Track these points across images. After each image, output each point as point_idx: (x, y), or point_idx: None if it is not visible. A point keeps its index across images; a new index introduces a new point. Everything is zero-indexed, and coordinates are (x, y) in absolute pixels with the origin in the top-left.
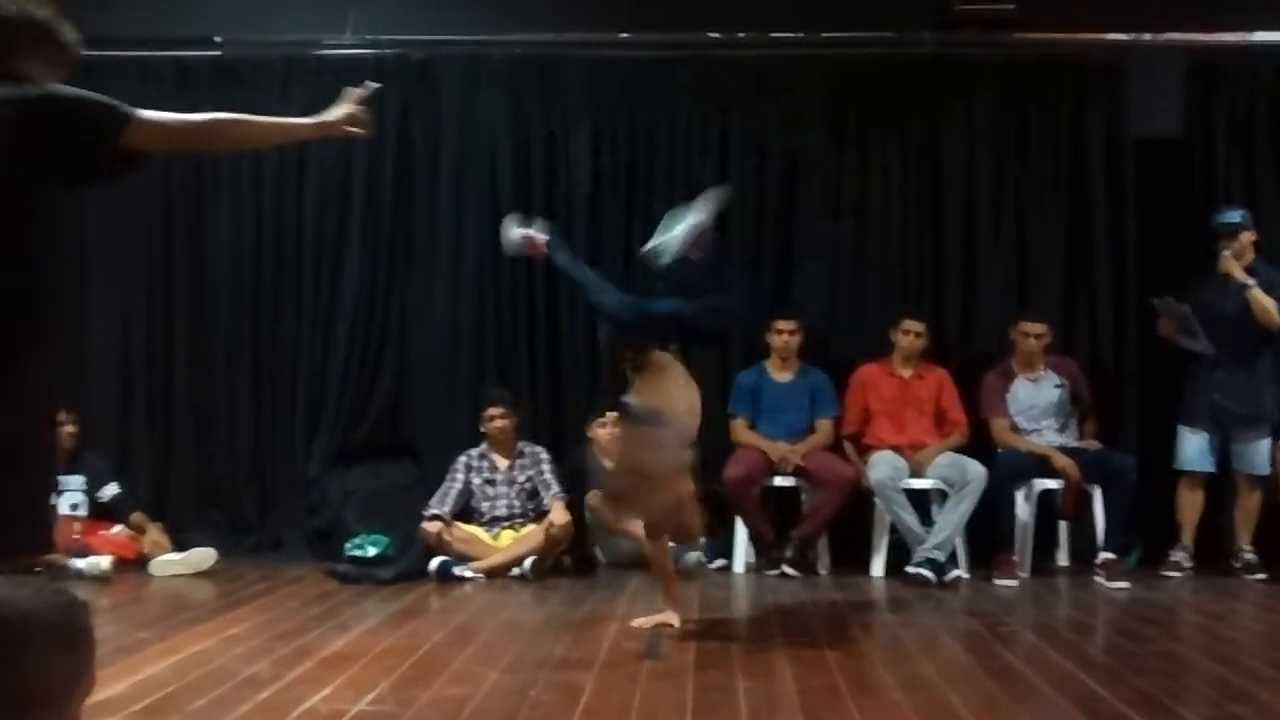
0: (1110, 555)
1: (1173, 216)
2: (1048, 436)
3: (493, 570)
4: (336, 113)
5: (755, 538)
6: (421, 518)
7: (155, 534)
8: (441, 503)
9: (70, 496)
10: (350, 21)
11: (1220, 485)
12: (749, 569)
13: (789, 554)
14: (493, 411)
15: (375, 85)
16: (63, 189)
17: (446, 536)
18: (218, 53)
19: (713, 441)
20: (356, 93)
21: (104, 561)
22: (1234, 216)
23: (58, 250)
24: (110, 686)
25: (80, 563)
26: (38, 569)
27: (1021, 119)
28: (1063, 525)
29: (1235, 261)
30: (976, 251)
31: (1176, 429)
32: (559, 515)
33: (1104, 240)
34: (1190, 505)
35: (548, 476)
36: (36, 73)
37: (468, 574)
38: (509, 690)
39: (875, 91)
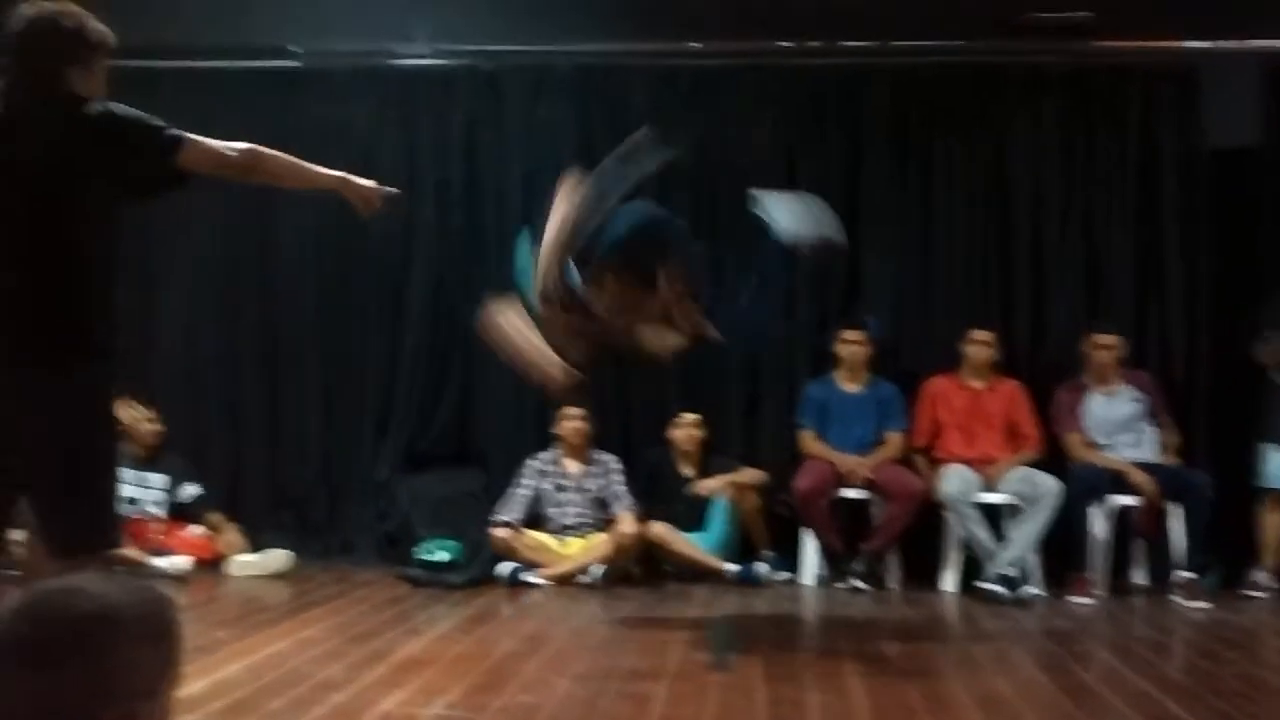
0: (1189, 574)
1: (1248, 228)
2: (1123, 452)
3: (561, 577)
4: (363, 182)
5: (824, 550)
6: (490, 524)
7: (231, 534)
8: (510, 509)
9: (152, 495)
10: (421, 32)
11: None
12: (818, 582)
13: (859, 567)
14: (570, 412)
15: (398, 193)
16: (112, 202)
17: (515, 543)
18: (292, 62)
19: (780, 453)
20: (387, 190)
21: (184, 561)
22: None
23: (106, 257)
24: (189, 685)
25: (161, 562)
26: (119, 567)
27: (1092, 128)
28: (1139, 543)
29: None
30: (1045, 263)
31: (1258, 446)
32: (627, 525)
33: (1176, 252)
34: (1272, 525)
35: (617, 487)
36: (83, 84)
37: (537, 580)
38: (580, 700)
39: (942, 100)
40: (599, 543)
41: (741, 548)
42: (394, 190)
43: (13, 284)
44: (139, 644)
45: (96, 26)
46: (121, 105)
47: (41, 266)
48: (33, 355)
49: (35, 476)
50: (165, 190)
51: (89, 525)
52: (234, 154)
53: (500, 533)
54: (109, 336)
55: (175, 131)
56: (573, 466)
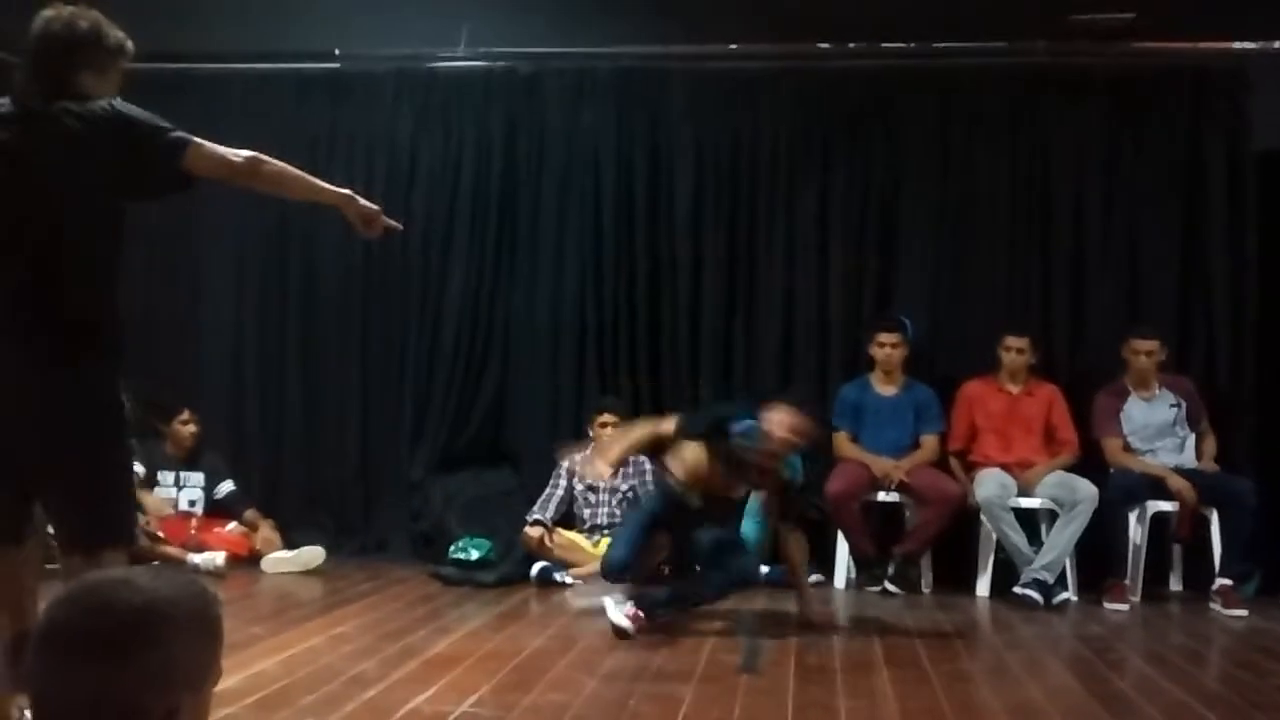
0: (1227, 582)
1: None
2: (1163, 457)
3: (592, 577)
4: (366, 203)
5: (856, 553)
6: (523, 523)
7: (267, 531)
8: (543, 509)
9: (189, 493)
10: (464, 35)
11: None
12: (849, 585)
13: (891, 571)
14: (606, 418)
15: (399, 227)
16: (117, 201)
17: (547, 543)
18: (335, 65)
19: (815, 456)
20: (391, 222)
21: (219, 558)
22: None
23: (111, 255)
24: (225, 679)
25: (197, 558)
26: (156, 563)
27: (1136, 131)
28: (1177, 549)
29: None
30: (1086, 266)
31: None
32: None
33: (1222, 256)
34: None
35: (651, 488)
36: (94, 85)
37: (568, 580)
38: (608, 699)
39: (983, 104)
40: None
41: (773, 550)
42: (397, 226)
43: (25, 280)
44: (185, 637)
45: (114, 32)
46: (130, 105)
47: (51, 263)
48: (45, 351)
49: (49, 472)
50: (168, 191)
51: (105, 519)
52: (238, 160)
53: (533, 531)
54: (116, 332)
55: (182, 134)
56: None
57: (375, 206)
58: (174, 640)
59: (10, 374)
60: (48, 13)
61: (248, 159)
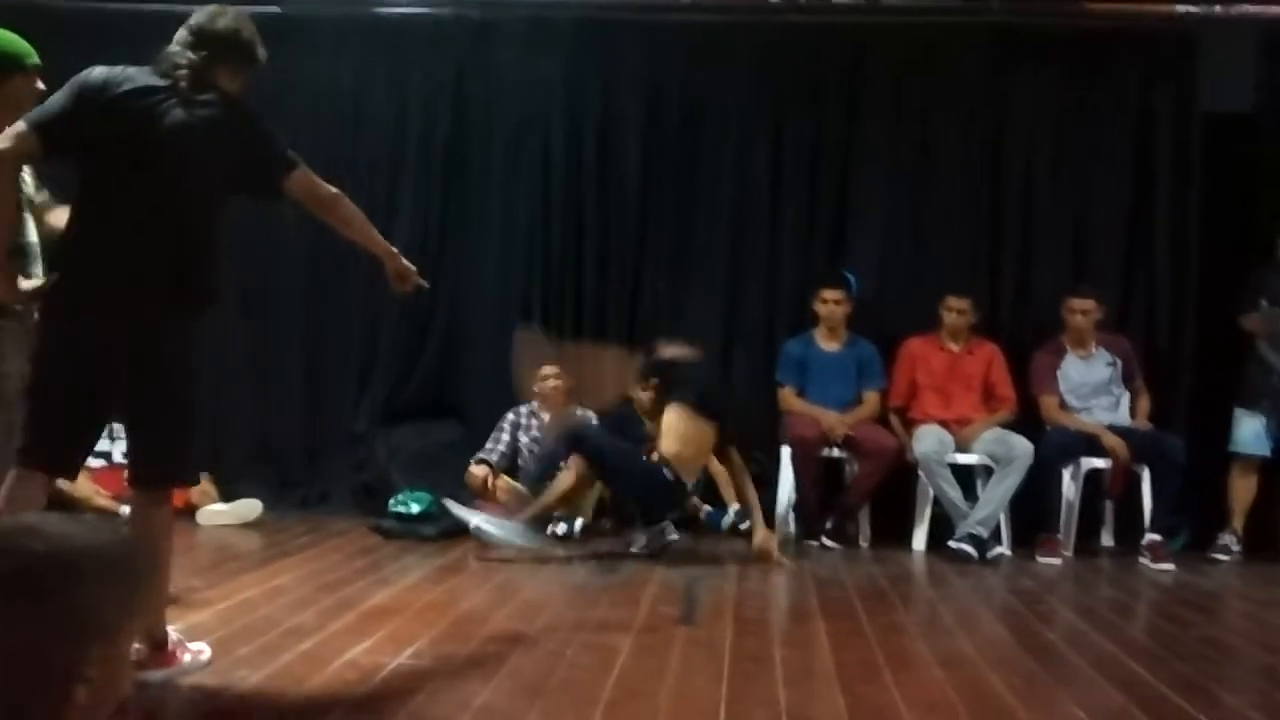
0: (1156, 537)
1: (1240, 195)
2: (1098, 415)
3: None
4: (406, 263)
5: (800, 506)
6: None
7: (204, 484)
8: (490, 453)
9: (123, 444)
10: None
11: (1274, 470)
12: (788, 539)
13: (829, 525)
14: (547, 370)
15: (426, 285)
16: (228, 190)
17: (490, 485)
18: (275, 8)
19: (758, 410)
20: (420, 281)
21: None
22: None
23: (217, 227)
24: None
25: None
26: (88, 515)
27: (1086, 91)
28: (1109, 505)
29: None
30: (1034, 226)
31: (1232, 411)
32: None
33: (1166, 217)
34: (1243, 489)
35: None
36: (229, 83)
37: (490, 529)
38: (547, 651)
39: (935, 62)
40: (560, 480)
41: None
42: (424, 284)
43: (145, 239)
44: (94, 585)
45: (258, 42)
46: (258, 115)
47: (171, 229)
48: (155, 304)
49: (148, 409)
50: (262, 199)
51: (180, 456)
52: (325, 192)
53: (477, 470)
54: (210, 291)
55: (293, 155)
56: (551, 420)
57: (411, 266)
58: (79, 588)
59: (133, 317)
60: (213, 8)
61: (334, 195)
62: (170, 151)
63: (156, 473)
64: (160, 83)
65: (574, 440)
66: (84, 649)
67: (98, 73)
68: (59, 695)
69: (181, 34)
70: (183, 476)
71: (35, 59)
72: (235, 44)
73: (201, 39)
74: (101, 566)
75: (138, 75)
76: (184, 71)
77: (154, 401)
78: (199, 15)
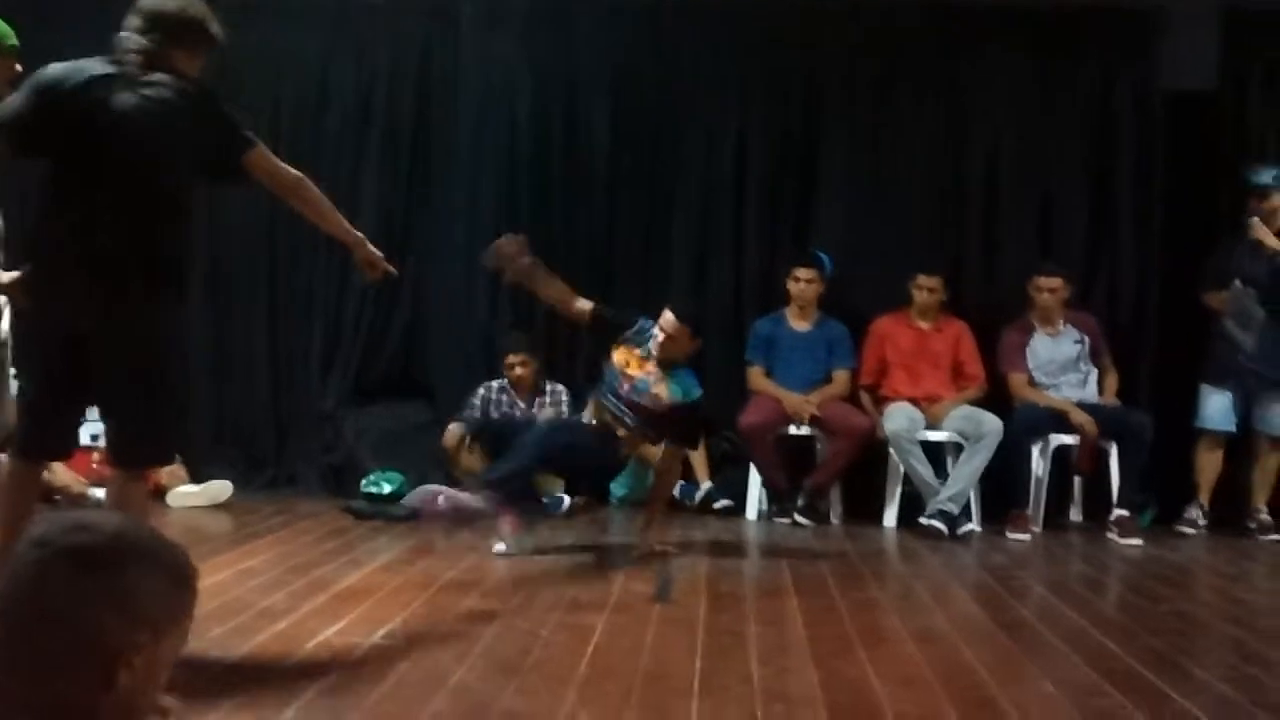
0: (1124, 512)
1: (1202, 173)
2: (1065, 392)
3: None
4: (374, 250)
5: (768, 485)
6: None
7: (173, 466)
8: (467, 418)
9: (90, 428)
10: None
11: (1239, 446)
12: (760, 516)
13: (801, 503)
14: (512, 359)
15: (394, 272)
16: (187, 173)
17: (465, 448)
18: None
19: (728, 389)
20: (388, 268)
21: None
22: (1265, 178)
23: (189, 210)
24: None
25: (99, 492)
26: (59, 498)
27: (1049, 69)
28: (1077, 481)
29: (1265, 227)
30: (999, 204)
31: (1198, 387)
32: None
33: (1129, 195)
34: (1209, 465)
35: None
36: (186, 65)
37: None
38: (521, 630)
39: (898, 39)
40: None
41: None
42: (393, 271)
43: (115, 224)
44: (156, 573)
45: (214, 23)
46: (218, 94)
47: (138, 211)
48: (129, 286)
49: (122, 391)
50: (224, 181)
51: (155, 438)
52: (287, 174)
53: (455, 428)
54: (185, 272)
55: (252, 135)
56: (522, 399)
57: (379, 254)
58: (143, 571)
59: (98, 303)
60: None
61: (296, 178)
62: (121, 135)
63: (132, 454)
64: (112, 70)
65: (492, 487)
66: (134, 635)
67: (52, 70)
68: (101, 680)
69: (132, 19)
70: (158, 458)
71: (14, 40)
72: (185, 24)
73: (152, 22)
74: (160, 557)
75: (91, 66)
76: (134, 55)
77: (125, 385)
78: (167, 4)
